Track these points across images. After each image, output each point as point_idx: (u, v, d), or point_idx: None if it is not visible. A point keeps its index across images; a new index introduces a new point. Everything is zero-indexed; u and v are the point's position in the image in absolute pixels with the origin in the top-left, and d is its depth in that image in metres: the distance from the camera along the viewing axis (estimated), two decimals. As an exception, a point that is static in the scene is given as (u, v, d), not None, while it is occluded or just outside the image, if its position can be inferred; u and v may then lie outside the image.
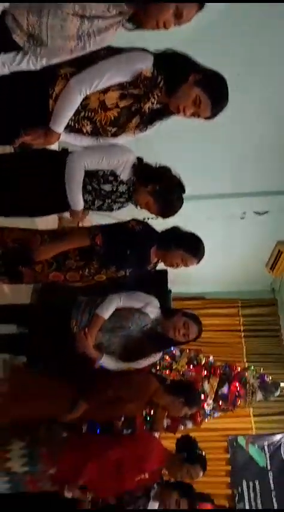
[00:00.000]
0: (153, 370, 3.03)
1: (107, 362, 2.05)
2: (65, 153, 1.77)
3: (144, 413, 2.86)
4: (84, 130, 1.60)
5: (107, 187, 1.77)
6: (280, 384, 3.54)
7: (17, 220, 2.02)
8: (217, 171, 3.87)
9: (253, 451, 4.61)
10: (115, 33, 1.44)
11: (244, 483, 4.47)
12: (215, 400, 3.31)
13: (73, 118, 1.53)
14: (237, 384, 3.36)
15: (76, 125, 1.57)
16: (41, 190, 1.75)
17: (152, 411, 2.88)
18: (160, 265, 2.13)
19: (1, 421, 2.10)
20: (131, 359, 2.10)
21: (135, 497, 2.25)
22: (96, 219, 2.23)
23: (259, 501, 4.40)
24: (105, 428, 2.58)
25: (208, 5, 1.38)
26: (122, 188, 1.79)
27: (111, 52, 1.50)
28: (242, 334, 5.23)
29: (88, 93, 1.48)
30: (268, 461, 4.56)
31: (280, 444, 4.63)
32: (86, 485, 2.02)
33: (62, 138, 1.60)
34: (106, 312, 2.03)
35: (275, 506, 4.38)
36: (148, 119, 1.64)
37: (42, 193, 1.76)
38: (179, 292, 4.62)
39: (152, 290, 2.21)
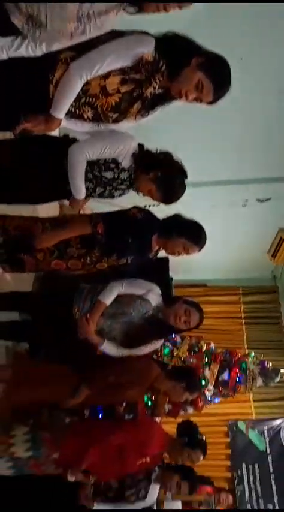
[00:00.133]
0: (154, 357, 3.05)
1: (109, 348, 2.07)
2: (66, 140, 1.75)
3: (145, 398, 2.90)
4: (85, 116, 1.58)
5: (108, 175, 1.76)
6: (280, 370, 3.57)
7: (18, 207, 2.02)
8: (219, 158, 3.83)
9: (252, 435, 4.69)
10: (116, 17, 1.41)
11: (244, 466, 4.57)
12: (216, 386, 3.34)
13: (74, 104, 1.51)
14: (238, 370, 3.39)
15: (77, 111, 1.56)
16: (41, 177, 1.74)
17: (153, 397, 2.91)
18: (162, 253, 2.12)
19: (4, 406, 2.13)
20: (132, 345, 2.12)
21: (136, 480, 2.29)
22: (97, 206, 2.22)
23: (258, 483, 4.50)
24: (107, 414, 2.62)
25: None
26: (123, 175, 1.78)
27: (111, 36, 1.47)
28: (243, 321, 5.26)
29: (89, 79, 1.46)
30: (268, 446, 4.65)
31: (280, 429, 4.71)
32: (89, 469, 2.06)
33: (63, 124, 1.58)
34: (108, 298, 2.04)
35: (274, 489, 4.48)
36: (150, 104, 1.62)
37: (43, 181, 1.75)
38: (180, 279, 4.63)
39: (153, 277, 2.22)
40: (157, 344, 2.28)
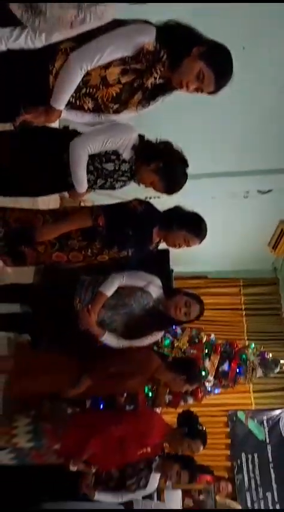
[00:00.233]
0: (155, 348, 3.07)
1: (109, 339, 2.07)
2: (66, 132, 1.74)
3: (146, 389, 2.92)
4: (86, 107, 1.57)
5: (109, 167, 1.75)
6: (279, 361, 3.59)
7: (18, 199, 2.01)
8: (220, 149, 3.81)
9: (252, 425, 4.75)
10: (114, 6, 1.39)
11: (243, 456, 4.63)
12: (216, 377, 3.37)
13: (74, 95, 1.50)
14: (238, 361, 3.42)
15: (78, 102, 1.54)
16: (42, 170, 1.73)
17: (154, 387, 2.93)
18: (162, 245, 2.12)
19: (7, 397, 2.15)
20: (133, 337, 2.13)
21: (137, 469, 2.32)
22: (98, 199, 2.21)
23: (257, 472, 4.57)
24: (109, 404, 2.64)
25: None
26: (124, 167, 1.77)
27: (112, 25, 1.45)
28: (244, 312, 5.29)
29: (89, 69, 1.44)
30: (267, 435, 4.71)
31: (279, 419, 4.76)
32: (90, 460, 2.08)
33: (63, 116, 1.57)
34: (109, 289, 2.04)
35: (273, 478, 4.54)
36: (151, 95, 1.60)
37: (43, 173, 1.74)
38: (181, 271, 4.64)
39: (154, 269, 2.22)
40: (157, 336, 2.28)
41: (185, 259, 4.18)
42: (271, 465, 4.60)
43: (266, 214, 4.52)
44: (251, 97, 3.29)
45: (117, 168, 1.76)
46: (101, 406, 2.66)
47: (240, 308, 5.31)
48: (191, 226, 1.97)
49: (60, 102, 1.48)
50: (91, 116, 1.65)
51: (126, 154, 1.74)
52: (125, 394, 2.73)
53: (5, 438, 2.00)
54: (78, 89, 1.48)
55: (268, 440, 4.70)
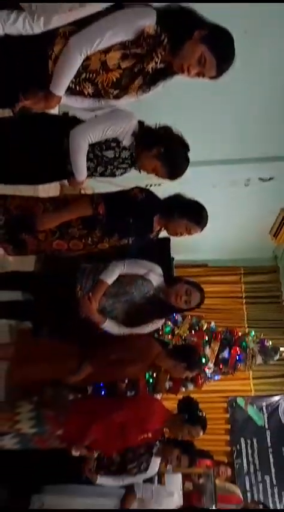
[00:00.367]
0: (156, 335, 3.09)
1: (110, 326, 2.08)
2: (66, 118, 1.72)
3: (146, 376, 2.95)
4: (85, 93, 1.54)
5: (110, 154, 1.73)
6: (279, 349, 3.62)
7: (19, 187, 2.00)
8: (221, 136, 3.76)
9: (251, 411, 4.81)
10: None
11: (243, 441, 4.71)
12: (216, 364, 3.40)
13: (74, 80, 1.47)
14: (238, 349, 3.44)
15: (77, 87, 1.52)
16: (41, 157, 1.71)
17: (154, 374, 2.96)
18: (163, 233, 2.12)
19: (9, 384, 2.17)
20: (133, 325, 2.14)
21: (138, 454, 2.36)
22: (98, 186, 2.20)
23: (256, 457, 4.65)
24: (110, 391, 2.67)
25: None
26: (125, 154, 1.75)
27: (111, 8, 1.42)
28: (244, 300, 5.30)
29: (89, 54, 1.42)
30: (266, 421, 4.77)
31: (278, 405, 4.82)
32: (91, 446, 2.12)
33: (63, 101, 1.55)
34: (110, 277, 2.04)
35: (272, 462, 4.62)
36: (151, 79, 1.57)
37: (43, 161, 1.73)
38: (182, 259, 4.64)
39: (155, 258, 2.22)
40: (158, 323, 2.30)
41: (186, 247, 4.17)
42: (269, 450, 4.67)
43: (268, 202, 4.49)
44: (253, 82, 3.24)
45: (117, 155, 1.74)
46: (102, 393, 2.69)
47: (240, 296, 5.32)
48: (192, 214, 1.96)
49: (60, 88, 1.46)
50: (91, 101, 1.63)
51: (126, 141, 1.72)
52: (126, 381, 2.75)
53: (8, 424, 2.03)
54: (77, 74, 1.46)
55: (267, 426, 4.77)
